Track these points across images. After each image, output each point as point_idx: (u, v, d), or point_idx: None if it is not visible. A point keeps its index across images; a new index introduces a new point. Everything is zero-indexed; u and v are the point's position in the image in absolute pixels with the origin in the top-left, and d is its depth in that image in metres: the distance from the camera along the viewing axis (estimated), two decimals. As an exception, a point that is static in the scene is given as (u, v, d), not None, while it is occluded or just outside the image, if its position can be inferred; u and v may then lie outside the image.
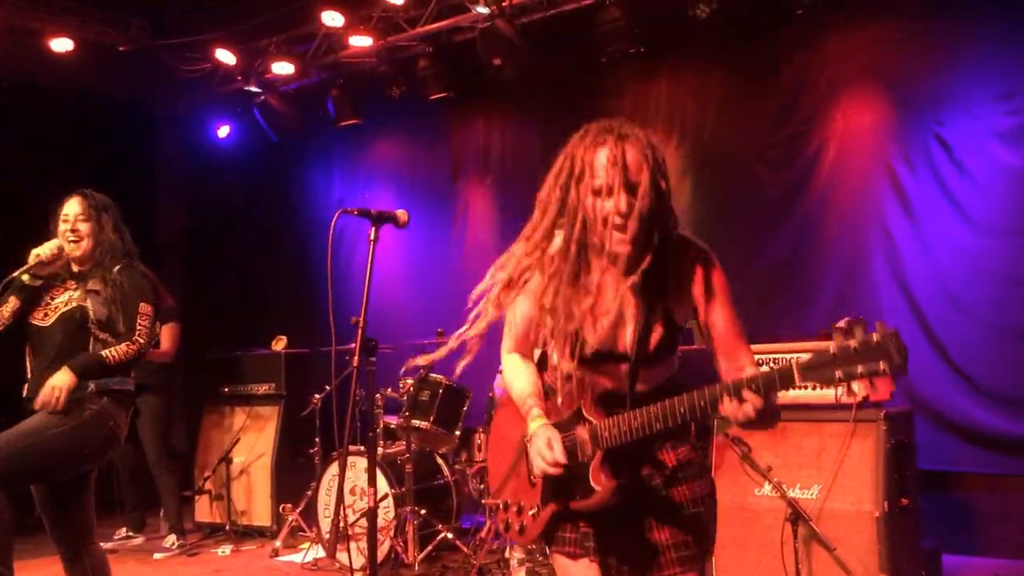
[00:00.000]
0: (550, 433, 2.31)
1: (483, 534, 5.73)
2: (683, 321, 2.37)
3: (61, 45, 7.69)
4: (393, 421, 5.93)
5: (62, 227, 3.84)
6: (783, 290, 6.13)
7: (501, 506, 2.53)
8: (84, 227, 3.84)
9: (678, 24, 6.40)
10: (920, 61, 5.76)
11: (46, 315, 3.76)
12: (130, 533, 6.80)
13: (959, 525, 5.45)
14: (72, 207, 3.87)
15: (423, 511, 5.57)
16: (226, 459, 6.83)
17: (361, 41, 7.51)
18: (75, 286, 3.81)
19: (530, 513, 2.43)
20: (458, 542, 5.60)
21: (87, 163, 8.05)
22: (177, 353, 6.69)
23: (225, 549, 6.45)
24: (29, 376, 3.79)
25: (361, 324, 3.07)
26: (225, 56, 8.02)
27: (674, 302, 2.32)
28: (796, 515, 4.01)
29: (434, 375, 5.93)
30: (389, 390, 5.95)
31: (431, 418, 5.80)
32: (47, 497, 3.72)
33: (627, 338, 2.31)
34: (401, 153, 8.47)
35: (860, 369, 1.87)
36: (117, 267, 3.83)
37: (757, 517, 4.34)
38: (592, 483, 2.26)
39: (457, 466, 6.16)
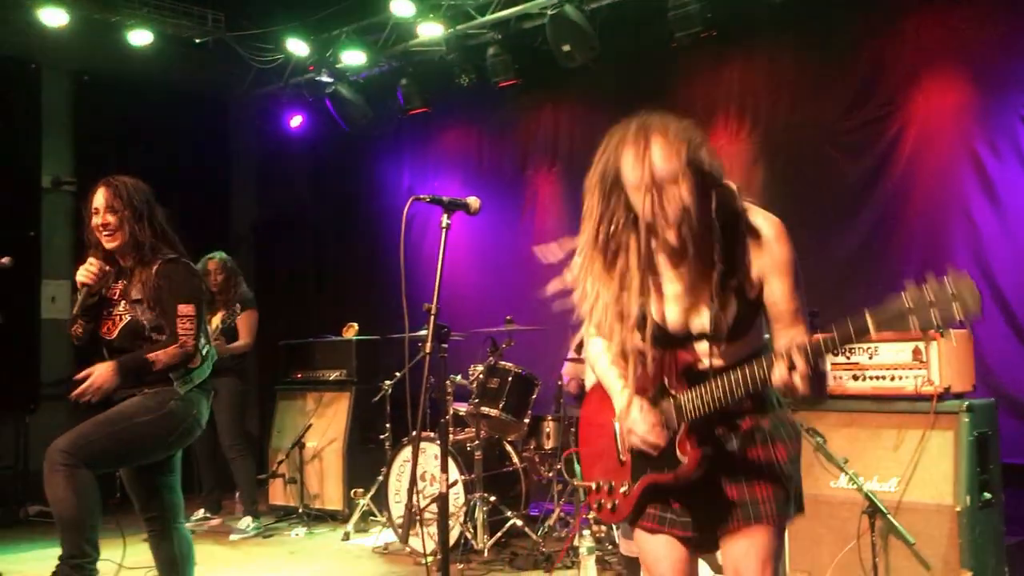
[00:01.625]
0: (641, 406, 2.35)
1: (552, 521, 5.75)
2: (755, 295, 2.33)
3: (140, 38, 7.88)
4: (462, 408, 5.96)
5: (93, 220, 3.74)
6: (860, 279, 5.98)
7: (593, 487, 2.57)
8: (114, 218, 3.71)
9: (751, 7, 6.28)
10: (1005, 41, 5.55)
11: (109, 329, 3.75)
12: (207, 515, 6.97)
13: (1044, 521, 5.28)
14: (99, 198, 3.74)
15: (492, 498, 5.59)
16: (299, 444, 6.95)
17: (431, 30, 7.53)
18: (124, 287, 3.74)
19: (621, 491, 2.46)
20: (527, 529, 5.61)
21: (164, 154, 8.27)
22: (253, 340, 6.82)
23: (298, 532, 6.57)
24: None
25: (433, 311, 3.08)
26: (297, 46, 8.13)
27: (743, 276, 2.30)
28: (874, 508, 3.92)
29: (504, 363, 5.95)
30: (459, 377, 5.99)
31: (500, 405, 5.82)
32: (135, 479, 3.80)
33: (701, 317, 2.32)
34: (469, 141, 8.48)
35: (935, 315, 1.85)
36: (157, 264, 3.71)
37: (832, 509, 4.25)
38: (679, 454, 2.30)
39: (526, 453, 6.17)
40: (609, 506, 2.51)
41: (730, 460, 2.36)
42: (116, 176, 3.82)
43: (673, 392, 2.34)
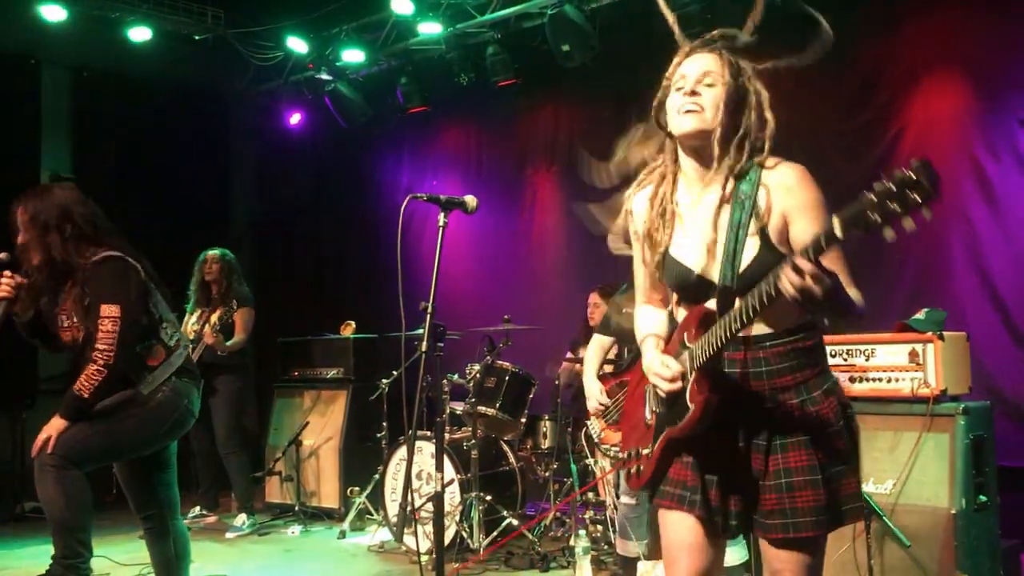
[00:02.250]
0: (661, 357, 2.32)
1: (548, 521, 5.75)
2: (781, 240, 2.29)
3: (139, 35, 7.88)
4: (459, 407, 5.96)
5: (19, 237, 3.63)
6: (858, 280, 5.96)
7: (625, 456, 2.55)
8: (28, 236, 3.59)
9: (750, 7, 6.27)
10: (1005, 45, 5.54)
11: (75, 337, 3.63)
12: (203, 512, 6.96)
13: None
14: (17, 216, 3.63)
15: (488, 497, 5.60)
16: (296, 442, 6.95)
17: (430, 28, 7.53)
18: (65, 302, 3.61)
19: (644, 452, 2.43)
20: (523, 529, 5.61)
21: (162, 151, 8.27)
22: (249, 338, 6.81)
23: (294, 530, 6.57)
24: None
25: (430, 310, 3.08)
26: (297, 44, 8.13)
27: (768, 219, 2.29)
28: (869, 510, 3.92)
29: (500, 362, 5.95)
30: (456, 376, 5.99)
31: (497, 405, 5.82)
32: (130, 476, 3.78)
33: (714, 261, 2.31)
34: (469, 140, 8.49)
35: (896, 206, 1.82)
36: (92, 262, 3.56)
37: (828, 511, 4.25)
38: (689, 402, 2.25)
39: (522, 453, 6.17)
40: (635, 471, 2.48)
41: (759, 422, 2.28)
42: (31, 189, 3.68)
43: (688, 343, 2.29)
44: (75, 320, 3.58)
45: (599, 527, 5.54)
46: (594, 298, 6.03)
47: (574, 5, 6.65)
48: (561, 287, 7.46)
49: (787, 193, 2.31)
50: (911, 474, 4.09)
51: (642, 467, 2.45)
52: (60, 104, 8.22)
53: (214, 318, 6.44)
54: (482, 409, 5.80)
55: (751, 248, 2.27)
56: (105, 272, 3.54)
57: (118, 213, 3.97)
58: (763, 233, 2.28)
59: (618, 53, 7.02)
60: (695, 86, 2.37)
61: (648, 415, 2.45)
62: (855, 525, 3.99)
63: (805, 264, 1.95)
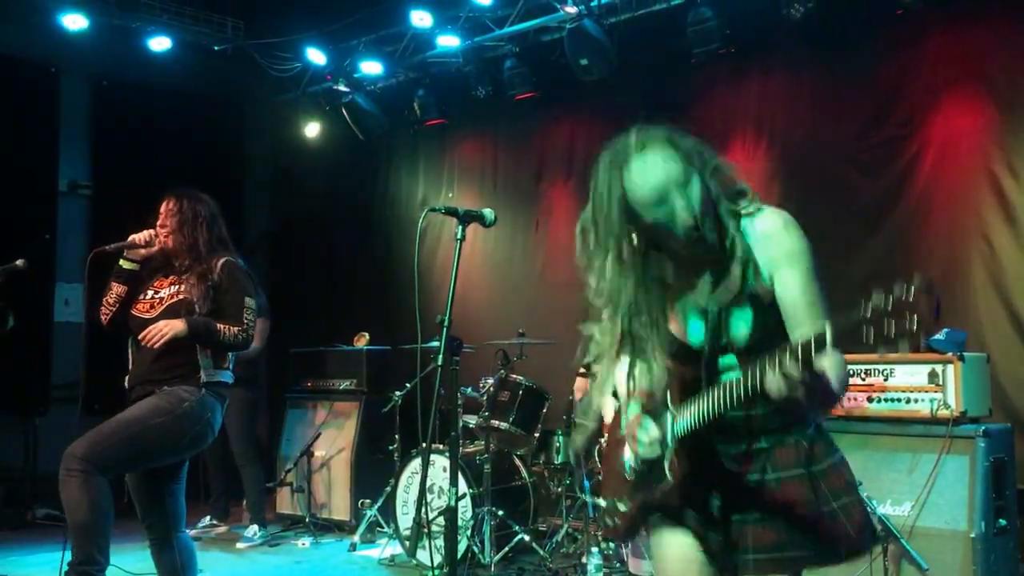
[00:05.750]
0: (642, 421, 2.28)
1: (559, 537, 5.70)
2: (771, 299, 2.18)
3: (159, 44, 7.92)
4: (472, 421, 5.93)
5: (159, 222, 3.96)
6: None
7: (604, 504, 2.54)
8: (172, 221, 3.91)
9: (770, 24, 6.26)
10: (1026, 63, 5.52)
11: (152, 307, 3.84)
12: (214, 521, 6.95)
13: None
14: (166, 204, 3.97)
15: (500, 512, 5.56)
16: (307, 453, 6.94)
17: (448, 41, 7.55)
18: (177, 279, 3.89)
19: (621, 508, 2.41)
20: (535, 544, 5.57)
21: (180, 159, 8.29)
22: (264, 348, 6.81)
23: (305, 541, 6.55)
24: (131, 367, 3.90)
25: (446, 323, 3.06)
26: (315, 55, 8.16)
27: (754, 279, 2.17)
28: (887, 532, 3.87)
29: (514, 376, 5.92)
30: (469, 389, 5.96)
31: (510, 419, 5.79)
32: (141, 485, 3.80)
33: (699, 325, 2.25)
34: (485, 153, 8.47)
35: (892, 329, 1.75)
36: (221, 261, 3.90)
37: (844, 532, 4.19)
38: (667, 471, 2.21)
39: (535, 468, 6.13)
40: (611, 523, 2.48)
41: (739, 495, 2.25)
42: (184, 188, 4.07)
43: (671, 407, 2.23)
44: (185, 290, 3.81)
45: (611, 544, 5.50)
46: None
47: (593, 19, 6.64)
48: (576, 301, 7.41)
49: (769, 243, 2.19)
50: (929, 496, 4.04)
51: (618, 521, 2.45)
52: (79, 113, 8.27)
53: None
54: (495, 423, 5.77)
55: (738, 314, 2.20)
56: (245, 273, 3.98)
57: (135, 222, 4.01)
58: (752, 293, 2.18)
59: (636, 67, 7.01)
60: (656, 217, 2.15)
61: (628, 467, 2.40)
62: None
63: (793, 371, 1.87)
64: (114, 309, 3.89)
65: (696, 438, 2.18)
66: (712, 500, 2.28)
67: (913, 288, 1.74)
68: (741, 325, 2.20)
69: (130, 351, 3.93)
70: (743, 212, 2.22)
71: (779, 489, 2.22)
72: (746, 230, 2.20)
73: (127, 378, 3.89)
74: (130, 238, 3.89)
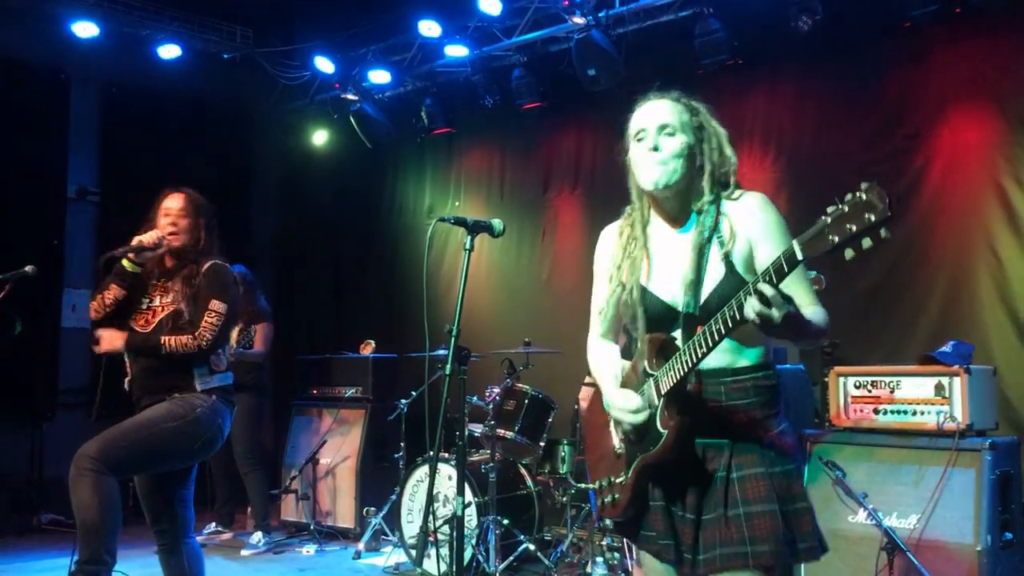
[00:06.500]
0: (621, 392, 2.43)
1: (564, 547, 5.70)
2: (750, 269, 2.36)
3: (169, 52, 7.97)
4: (477, 429, 5.93)
5: (163, 220, 3.94)
6: (882, 312, 5.93)
7: (597, 486, 2.58)
8: (183, 223, 3.93)
9: (777, 36, 6.27)
10: (1034, 76, 5.52)
11: (147, 321, 3.84)
12: (219, 528, 6.96)
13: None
14: (174, 202, 3.98)
15: (505, 521, 5.56)
16: (313, 460, 6.94)
17: (456, 51, 7.57)
18: (164, 286, 3.89)
19: (618, 481, 2.47)
20: (539, 553, 5.57)
21: (188, 167, 8.31)
22: (268, 354, 6.83)
23: (309, 549, 6.55)
24: (130, 376, 3.91)
25: (455, 332, 3.07)
26: (324, 64, 8.19)
27: (732, 245, 2.36)
28: (893, 544, 3.86)
29: (520, 385, 5.92)
30: (475, 398, 5.97)
31: (516, 428, 5.80)
32: (151, 490, 3.82)
33: (682, 291, 2.38)
34: (492, 162, 8.49)
35: (851, 226, 1.89)
36: (207, 264, 3.90)
37: (850, 545, 4.19)
38: (660, 427, 2.31)
39: (540, 477, 6.13)
40: (610, 499, 2.51)
41: (712, 488, 2.35)
42: (187, 188, 4.12)
43: (651, 371, 2.36)
44: (173, 300, 3.82)
45: (616, 554, 5.49)
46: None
47: (601, 30, 6.66)
48: (582, 311, 7.42)
49: (749, 218, 2.39)
50: (936, 509, 4.03)
51: (617, 495, 2.48)
52: (89, 119, 8.31)
53: (233, 334, 6.46)
54: (501, 432, 5.78)
55: (715, 275, 2.35)
56: (223, 274, 3.93)
57: (143, 227, 4.02)
58: (727, 260, 2.35)
59: (644, 78, 6.99)
60: (656, 140, 2.46)
61: (617, 445, 2.50)
62: (877, 560, 3.95)
63: (767, 288, 2.01)
64: (109, 311, 3.86)
65: (681, 391, 2.30)
66: (687, 493, 2.37)
67: (864, 187, 1.90)
68: (710, 285, 2.35)
69: (127, 360, 3.94)
70: (725, 196, 2.46)
71: (743, 486, 2.32)
72: (726, 209, 2.43)
73: (129, 386, 3.91)
74: (136, 240, 3.87)
